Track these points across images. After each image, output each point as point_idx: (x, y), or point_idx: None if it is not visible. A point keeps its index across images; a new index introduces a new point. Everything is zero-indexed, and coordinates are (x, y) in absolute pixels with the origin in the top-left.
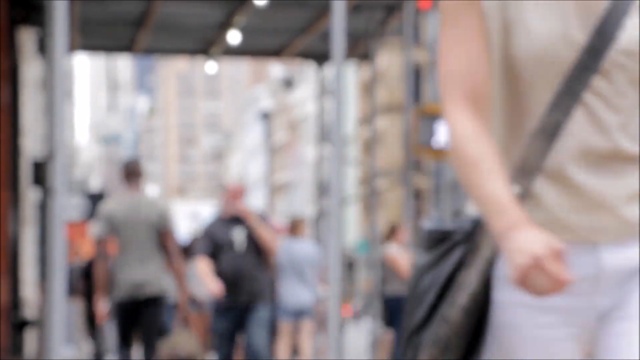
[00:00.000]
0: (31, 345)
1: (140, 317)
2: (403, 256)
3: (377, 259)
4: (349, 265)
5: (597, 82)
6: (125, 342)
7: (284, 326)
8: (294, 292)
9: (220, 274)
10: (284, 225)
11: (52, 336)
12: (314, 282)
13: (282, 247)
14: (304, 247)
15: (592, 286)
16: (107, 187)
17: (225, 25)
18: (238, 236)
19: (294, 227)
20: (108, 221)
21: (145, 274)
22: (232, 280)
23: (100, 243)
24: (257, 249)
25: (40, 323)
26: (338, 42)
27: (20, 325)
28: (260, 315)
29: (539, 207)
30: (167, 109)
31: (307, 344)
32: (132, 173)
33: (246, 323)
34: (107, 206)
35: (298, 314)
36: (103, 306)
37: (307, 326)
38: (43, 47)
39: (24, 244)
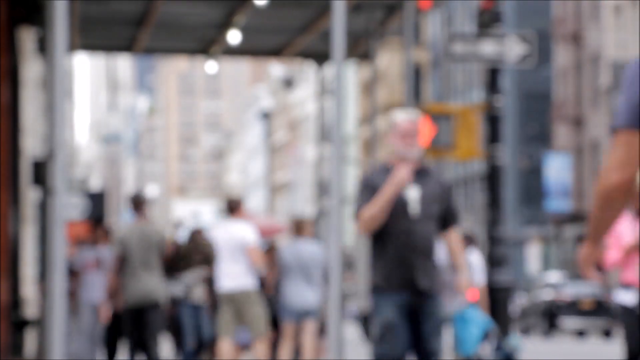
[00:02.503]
0: (31, 345)
1: (144, 320)
2: None
3: None
4: (348, 265)
5: None
6: (136, 344)
7: (287, 327)
8: (299, 293)
9: (386, 244)
10: (285, 225)
11: (52, 336)
12: (319, 283)
13: (287, 248)
14: (309, 248)
15: None
16: (107, 187)
17: (225, 25)
18: (412, 195)
19: (298, 228)
20: (122, 244)
21: (150, 285)
22: (402, 256)
23: (115, 261)
24: (433, 216)
25: (40, 323)
26: (338, 41)
27: (20, 325)
28: (437, 311)
29: None
30: (168, 108)
31: (310, 345)
32: (139, 203)
33: (419, 319)
34: (121, 233)
35: (302, 315)
36: (107, 309)
37: (310, 327)
38: (43, 47)
39: (24, 244)
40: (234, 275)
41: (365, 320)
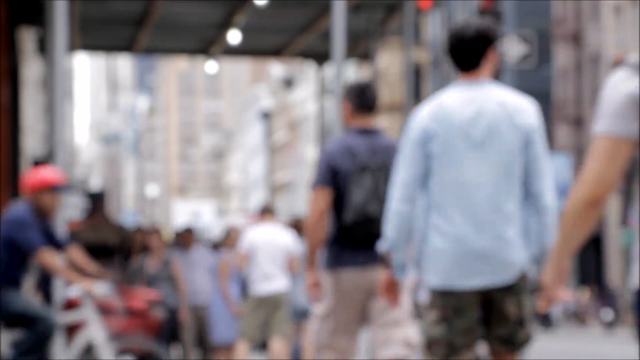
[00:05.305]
0: None
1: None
2: None
3: None
4: None
5: None
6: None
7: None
8: (301, 292)
9: None
10: (285, 225)
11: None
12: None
13: None
14: None
15: None
16: (107, 186)
17: (225, 25)
18: None
19: (299, 228)
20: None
21: None
22: None
23: None
24: None
25: None
26: (338, 41)
27: None
28: None
29: None
30: (168, 108)
31: (310, 345)
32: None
33: None
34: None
35: (302, 314)
36: None
37: (310, 326)
38: (43, 47)
39: None
40: (272, 277)
41: None
